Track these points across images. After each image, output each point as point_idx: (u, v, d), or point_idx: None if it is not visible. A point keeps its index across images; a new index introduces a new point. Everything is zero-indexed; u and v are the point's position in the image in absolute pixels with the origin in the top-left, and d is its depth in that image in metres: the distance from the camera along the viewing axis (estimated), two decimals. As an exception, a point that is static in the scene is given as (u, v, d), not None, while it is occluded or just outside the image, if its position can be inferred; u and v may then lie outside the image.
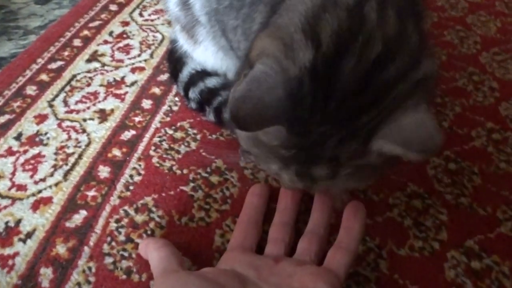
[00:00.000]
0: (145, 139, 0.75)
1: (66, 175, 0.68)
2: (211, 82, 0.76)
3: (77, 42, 0.98)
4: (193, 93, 0.76)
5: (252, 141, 0.45)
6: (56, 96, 0.83)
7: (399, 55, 0.39)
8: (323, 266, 0.52)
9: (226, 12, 0.60)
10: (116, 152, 0.72)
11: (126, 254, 0.58)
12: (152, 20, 1.07)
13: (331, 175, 0.43)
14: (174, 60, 0.81)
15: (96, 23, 1.05)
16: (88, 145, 0.74)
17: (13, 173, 0.69)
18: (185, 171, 0.69)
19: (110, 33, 1.02)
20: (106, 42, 0.99)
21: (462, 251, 0.59)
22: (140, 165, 0.70)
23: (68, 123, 0.78)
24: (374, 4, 0.40)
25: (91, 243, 0.59)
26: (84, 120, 0.79)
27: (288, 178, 0.46)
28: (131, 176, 0.68)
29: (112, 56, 0.94)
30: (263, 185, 0.65)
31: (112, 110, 0.81)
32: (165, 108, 0.81)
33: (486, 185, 0.68)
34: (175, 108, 0.81)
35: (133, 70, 0.90)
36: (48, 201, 0.64)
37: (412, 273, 0.57)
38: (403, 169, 0.69)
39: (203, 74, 0.77)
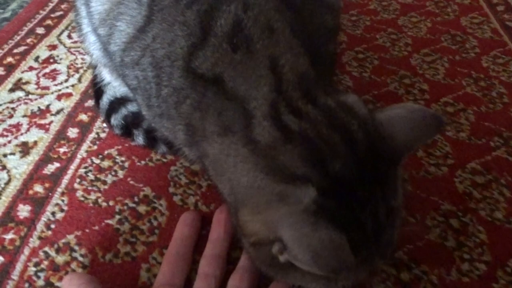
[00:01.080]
0: (70, 171, 0.72)
1: (-18, 218, 0.64)
2: (133, 107, 0.73)
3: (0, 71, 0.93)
4: (115, 120, 0.74)
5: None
6: (-25, 131, 0.79)
7: None
8: None
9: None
10: (38, 188, 0.69)
11: (45, 300, 0.55)
12: (81, 42, 1.03)
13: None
14: (95, 87, 0.78)
15: (21, 48, 1.00)
16: (7, 183, 0.70)
17: None
18: (111, 203, 0.66)
19: (36, 59, 0.97)
20: (31, 68, 0.95)
21: (392, 263, 0.59)
22: (63, 201, 0.67)
23: (-13, 160, 0.74)
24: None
25: (8, 292, 0.56)
26: (5, 155, 0.75)
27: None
28: (53, 213, 0.65)
29: (37, 83, 0.90)
30: (194, 213, 0.63)
31: (35, 142, 0.77)
32: (92, 136, 0.78)
33: (416, 191, 0.68)
34: (103, 135, 0.78)
35: (59, 97, 0.87)
36: (-39, 249, 0.61)
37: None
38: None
39: (123, 100, 0.74)
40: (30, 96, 0.87)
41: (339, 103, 0.44)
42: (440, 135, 0.77)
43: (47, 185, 0.69)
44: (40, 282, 0.57)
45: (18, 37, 1.04)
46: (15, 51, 1.00)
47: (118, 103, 0.75)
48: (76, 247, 0.61)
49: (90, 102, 0.85)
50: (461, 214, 0.65)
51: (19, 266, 0.58)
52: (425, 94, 0.87)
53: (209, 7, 0.47)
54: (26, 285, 0.56)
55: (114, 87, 0.75)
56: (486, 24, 1.07)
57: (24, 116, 0.82)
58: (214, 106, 0.45)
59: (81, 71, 0.94)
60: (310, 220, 0.37)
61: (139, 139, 0.74)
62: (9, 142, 0.77)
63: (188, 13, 0.48)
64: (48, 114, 0.83)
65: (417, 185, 0.69)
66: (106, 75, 0.73)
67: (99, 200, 0.67)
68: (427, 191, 0.68)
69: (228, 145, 0.44)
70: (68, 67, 0.95)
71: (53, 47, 1.01)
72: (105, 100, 0.76)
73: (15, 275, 0.58)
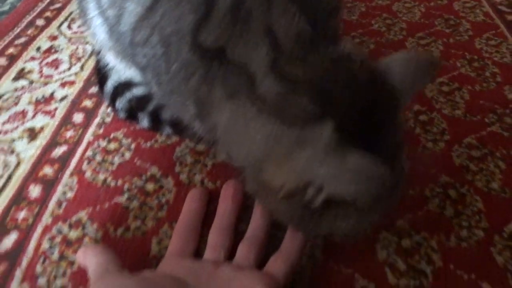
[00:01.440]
0: (78, 154, 0.73)
1: (-6, 199, 0.66)
2: (138, 90, 0.75)
3: (2, 61, 0.95)
4: (120, 103, 0.75)
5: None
6: (-19, 118, 0.80)
7: None
8: (263, 270, 0.52)
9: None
10: (47, 170, 0.70)
11: (60, 272, 0.57)
12: (81, 32, 1.04)
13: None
14: (99, 72, 0.80)
15: (22, 39, 1.02)
16: (17, 165, 0.71)
17: None
18: (119, 182, 0.68)
19: (38, 49, 0.99)
20: (33, 58, 0.96)
21: (393, 231, 0.61)
22: (72, 181, 0.69)
23: (-5, 145, 0.75)
24: None
25: (23, 265, 0.57)
26: (13, 140, 0.76)
27: None
28: (63, 193, 0.67)
29: (40, 72, 0.92)
30: (201, 189, 0.65)
31: (41, 128, 0.78)
32: (97, 120, 0.80)
33: (414, 166, 0.70)
34: (107, 120, 0.80)
35: (62, 85, 0.88)
36: (-25, 228, 0.62)
37: (346, 257, 0.58)
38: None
39: (127, 84, 0.76)
40: (34, 85, 0.89)
41: (339, 50, 0.46)
42: (437, 112, 0.80)
43: (56, 167, 0.71)
44: (55, 256, 0.58)
45: (18, 29, 1.06)
46: (16, 42, 1.01)
47: (122, 87, 0.76)
48: (88, 223, 0.62)
49: (94, 89, 0.87)
50: (459, 185, 0.67)
51: (33, 243, 0.60)
52: (420, 75, 0.89)
53: None
54: (41, 259, 0.58)
55: (118, 71, 0.77)
56: (478, 8, 1.10)
57: (29, 103, 0.84)
58: (220, 76, 0.47)
59: (82, 60, 0.95)
60: (337, 150, 0.38)
61: (144, 122, 0.76)
62: (16, 128, 0.78)
63: None
64: (52, 101, 0.84)
65: (415, 159, 0.71)
66: (111, 59, 0.75)
67: (108, 180, 0.69)
68: (425, 165, 0.70)
69: (237, 108, 0.46)
70: (70, 57, 0.96)
71: (53, 37, 1.03)
72: (110, 85, 0.78)
73: (30, 250, 0.59)
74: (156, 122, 0.74)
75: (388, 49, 0.96)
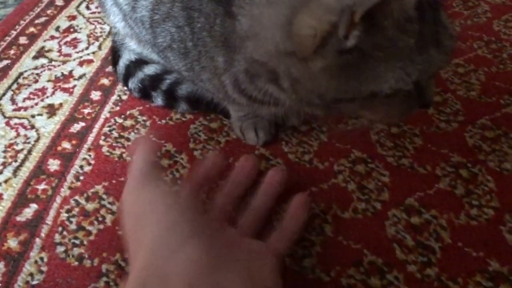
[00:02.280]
0: (95, 130, 0.75)
1: (15, 171, 0.69)
2: (149, 69, 0.77)
3: (23, 40, 0.97)
4: (132, 84, 0.77)
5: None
6: (3, 95, 0.83)
7: None
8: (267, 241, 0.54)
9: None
10: (66, 145, 0.73)
11: (77, 242, 0.59)
12: (99, 13, 1.06)
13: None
14: (113, 53, 0.82)
15: (42, 19, 1.04)
16: (37, 140, 0.74)
17: (-38, 174, 0.69)
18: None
19: (57, 29, 1.01)
20: (52, 37, 0.98)
21: (403, 208, 0.62)
22: (90, 156, 0.71)
23: (16, 120, 0.78)
24: None
25: (43, 235, 0.60)
26: (33, 116, 0.79)
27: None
28: (81, 166, 0.69)
29: (59, 51, 0.94)
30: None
31: (60, 104, 0.81)
32: (114, 98, 0.82)
33: (426, 145, 0.71)
34: (124, 97, 0.82)
35: (81, 64, 0.90)
36: (-2, 198, 0.65)
37: (355, 234, 0.59)
38: (347, 136, 0.71)
39: (139, 63, 0.77)
40: (53, 63, 0.91)
41: None
42: (451, 93, 0.79)
43: (74, 142, 0.73)
44: (72, 226, 0.61)
45: (39, 9, 1.08)
46: (36, 21, 1.03)
47: (134, 66, 0.78)
48: (104, 196, 0.64)
49: (111, 68, 0.88)
50: (471, 165, 0.67)
51: (52, 213, 0.63)
52: (436, 56, 0.88)
53: None
54: (60, 228, 0.61)
55: (130, 51, 0.78)
56: (498, -11, 1.08)
57: (49, 81, 0.86)
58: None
59: (100, 39, 0.97)
60: None
61: (158, 100, 0.77)
62: (36, 104, 0.81)
63: None
64: (71, 79, 0.86)
65: (428, 139, 0.71)
66: (131, 43, 0.76)
67: (124, 155, 0.71)
68: (437, 144, 0.70)
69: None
70: (88, 36, 0.98)
71: (72, 17, 1.05)
72: (121, 64, 0.79)
73: (49, 220, 0.62)
74: (171, 100, 0.76)
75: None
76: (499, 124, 0.73)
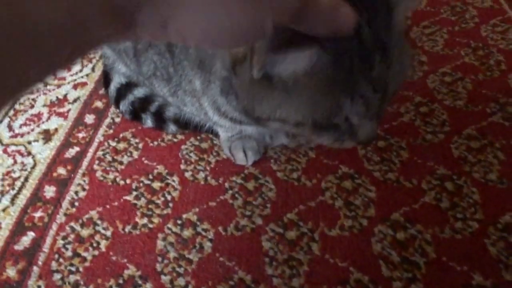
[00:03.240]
0: (89, 154, 0.77)
1: (13, 199, 0.71)
2: (139, 92, 0.78)
3: (18, 65, 0.99)
4: (123, 106, 0.79)
5: (305, 101, 0.44)
6: (0, 122, 0.85)
7: None
8: None
9: None
10: (61, 171, 0.75)
11: (73, 268, 0.61)
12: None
13: (388, 64, 0.43)
14: (104, 76, 0.84)
15: (37, 42, 1.06)
16: (33, 167, 0.76)
17: (-39, 204, 0.71)
18: (128, 181, 0.72)
19: (51, 51, 1.03)
20: (47, 61, 1.00)
21: (389, 224, 0.63)
22: (84, 181, 0.73)
23: (13, 147, 0.80)
24: None
25: (40, 263, 0.62)
26: (29, 142, 0.81)
27: (362, 106, 0.44)
28: (76, 192, 0.71)
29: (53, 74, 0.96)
30: None
31: (56, 129, 0.83)
32: (107, 121, 0.84)
33: (412, 158, 0.72)
34: (117, 120, 0.83)
35: (75, 87, 0.92)
36: (-4, 227, 0.67)
37: (342, 251, 0.61)
38: (335, 152, 0.73)
39: (129, 86, 0.79)
40: (49, 87, 0.93)
41: None
42: (438, 103, 0.80)
43: (69, 167, 0.75)
44: (68, 253, 0.63)
45: (34, 32, 1.10)
46: (31, 45, 1.05)
47: (124, 89, 0.80)
48: (99, 221, 0.66)
49: (103, 90, 0.90)
50: (456, 177, 0.68)
51: (48, 240, 0.65)
52: (424, 65, 0.89)
53: None
54: (56, 256, 0.63)
55: (120, 74, 0.80)
56: (486, -7, 1.08)
57: (44, 105, 0.88)
58: None
59: (94, 61, 0.99)
60: None
61: (148, 122, 0.79)
62: (32, 130, 0.83)
63: None
64: (66, 103, 0.89)
65: (414, 152, 0.73)
66: (120, 67, 0.78)
67: (117, 179, 0.72)
68: (423, 157, 0.72)
69: None
70: (82, 58, 1.00)
71: (66, 39, 1.07)
72: (113, 88, 0.81)
73: (45, 248, 0.64)
74: (160, 121, 0.78)
75: (392, 40, 0.96)
76: (484, 134, 0.74)
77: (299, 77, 0.42)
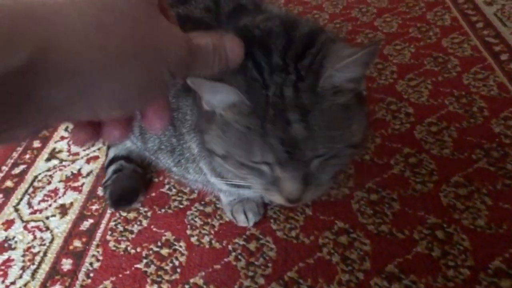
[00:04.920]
0: (102, 225, 0.83)
1: (33, 274, 0.76)
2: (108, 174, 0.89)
3: (36, 143, 1.08)
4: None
5: (226, 142, 0.49)
6: (21, 199, 0.92)
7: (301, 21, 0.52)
8: None
9: None
10: (77, 243, 0.80)
11: (90, 338, 0.65)
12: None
13: (306, 125, 0.44)
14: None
15: (53, 121, 1.15)
16: (51, 241, 0.82)
17: (-13, 282, 0.76)
18: (138, 249, 0.77)
19: (66, 129, 1.11)
20: (62, 138, 1.08)
21: (384, 276, 0.66)
22: (98, 252, 0.78)
23: (33, 223, 0.86)
24: None
25: (59, 335, 0.66)
26: (47, 218, 0.87)
27: (273, 157, 0.46)
28: (91, 263, 0.76)
29: (68, 150, 1.04)
30: None
31: (71, 203, 0.89)
32: (118, 191, 0.90)
33: (404, 209, 0.76)
34: (127, 190, 0.90)
35: (88, 161, 1.00)
36: (18, 302, 0.72)
37: (340, 306, 0.64)
38: (330, 208, 0.77)
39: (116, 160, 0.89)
40: (64, 163, 1.00)
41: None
42: (425, 153, 0.85)
43: (84, 239, 0.81)
44: (85, 324, 0.67)
45: (49, 111, 1.19)
46: (47, 124, 1.14)
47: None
48: (112, 291, 0.71)
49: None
50: (446, 225, 0.72)
51: (66, 312, 0.69)
52: (410, 117, 0.95)
53: None
54: (74, 327, 0.67)
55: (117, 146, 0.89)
56: (466, 42, 1.15)
57: (60, 181, 0.95)
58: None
59: (105, 134, 1.07)
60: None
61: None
62: (50, 205, 0.90)
63: None
64: (80, 177, 0.96)
65: (405, 202, 0.77)
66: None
67: (128, 248, 0.78)
68: (414, 207, 0.76)
69: None
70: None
71: (79, 116, 1.15)
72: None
73: (64, 320, 0.68)
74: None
75: (380, 94, 1.02)
76: (471, 180, 0.78)
77: (226, 113, 0.47)
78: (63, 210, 0.88)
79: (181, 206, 0.84)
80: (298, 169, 0.48)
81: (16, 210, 0.90)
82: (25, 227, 0.86)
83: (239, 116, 0.46)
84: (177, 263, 0.74)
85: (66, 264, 0.77)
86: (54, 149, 1.05)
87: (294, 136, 0.45)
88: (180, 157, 0.68)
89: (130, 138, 0.77)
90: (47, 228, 0.85)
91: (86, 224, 0.84)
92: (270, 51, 0.47)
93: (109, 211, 0.86)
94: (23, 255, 0.80)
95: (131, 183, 0.87)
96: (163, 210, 0.84)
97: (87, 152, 1.03)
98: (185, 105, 0.61)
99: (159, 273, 0.73)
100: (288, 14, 0.69)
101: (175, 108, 0.62)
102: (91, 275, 0.74)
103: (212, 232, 0.78)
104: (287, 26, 0.50)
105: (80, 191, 0.92)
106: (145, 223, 0.82)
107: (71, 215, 0.87)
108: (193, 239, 0.77)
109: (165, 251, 0.76)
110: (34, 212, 0.89)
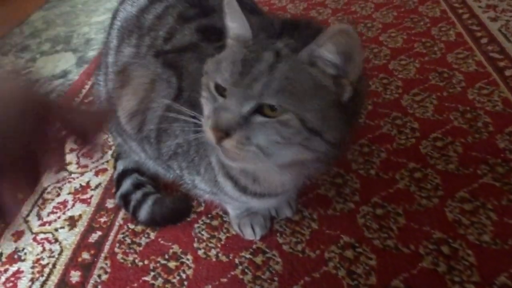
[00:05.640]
0: (111, 238, 0.84)
1: (42, 286, 0.77)
2: (125, 186, 0.89)
3: (46, 156, 1.09)
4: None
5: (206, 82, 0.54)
6: (30, 211, 0.94)
7: None
8: None
9: None
10: (85, 255, 0.81)
11: None
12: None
13: (271, 66, 0.48)
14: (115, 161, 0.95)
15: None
16: (60, 253, 0.83)
17: (-4, 293, 0.78)
18: (146, 262, 0.78)
19: (75, 141, 1.13)
20: (71, 150, 1.10)
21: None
22: (106, 264, 0.79)
23: (42, 235, 0.87)
24: None
25: None
26: (56, 229, 0.88)
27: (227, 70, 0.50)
28: (99, 276, 0.77)
29: (77, 163, 1.05)
30: None
31: (80, 216, 0.90)
32: (126, 204, 0.91)
33: (409, 224, 0.76)
34: (135, 203, 0.91)
35: (96, 173, 1.01)
36: (27, 314, 0.73)
37: (346, 320, 0.64)
38: (336, 222, 0.78)
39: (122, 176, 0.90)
40: (73, 175, 1.02)
41: None
42: (431, 168, 0.86)
43: (92, 251, 0.82)
44: (93, 336, 0.68)
45: (59, 123, 1.21)
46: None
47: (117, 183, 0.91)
48: (120, 303, 0.72)
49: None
50: (451, 240, 0.72)
51: (75, 324, 0.70)
52: (416, 132, 0.96)
53: None
54: None
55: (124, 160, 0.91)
56: (471, 57, 1.16)
57: (69, 193, 0.97)
58: None
59: (113, 147, 1.08)
60: None
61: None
62: (59, 217, 0.91)
63: None
64: (88, 190, 0.97)
65: (411, 217, 0.77)
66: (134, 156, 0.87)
67: (136, 260, 0.79)
68: (419, 222, 0.76)
69: None
70: (102, 146, 1.10)
71: (88, 128, 1.17)
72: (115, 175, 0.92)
73: (72, 331, 0.69)
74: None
75: (385, 109, 1.03)
76: (476, 195, 0.79)
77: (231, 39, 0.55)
78: (72, 222, 0.89)
79: (188, 219, 0.85)
80: (241, 97, 0.48)
81: (26, 221, 0.91)
82: (34, 239, 0.87)
83: (236, 42, 0.53)
84: (184, 276, 0.75)
85: (75, 276, 0.78)
86: (63, 161, 1.07)
87: (257, 68, 0.48)
88: (194, 155, 0.68)
89: (143, 147, 0.78)
90: (56, 240, 0.86)
91: (95, 236, 0.85)
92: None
93: (117, 223, 0.87)
94: (32, 267, 0.81)
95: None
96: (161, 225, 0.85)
97: (95, 164, 1.04)
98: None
99: (167, 286, 0.73)
100: None
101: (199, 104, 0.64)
102: (99, 287, 0.75)
103: (219, 245, 0.79)
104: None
105: (88, 204, 0.93)
106: (152, 235, 0.83)
107: (80, 227, 0.88)
108: (200, 252, 0.78)
109: (172, 264, 0.77)
110: (44, 224, 0.90)
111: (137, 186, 0.88)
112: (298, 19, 0.56)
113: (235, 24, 0.54)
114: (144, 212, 0.83)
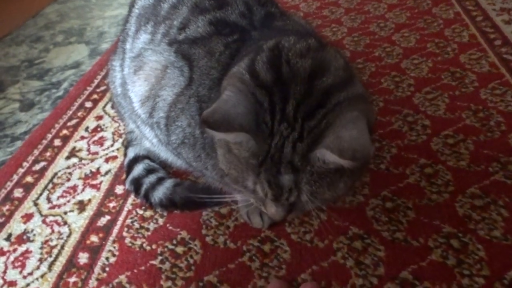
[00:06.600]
0: (119, 222, 0.84)
1: (50, 266, 0.78)
2: (137, 170, 0.89)
3: (57, 142, 1.10)
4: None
5: (227, 160, 0.57)
6: (40, 194, 0.94)
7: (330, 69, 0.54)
8: None
9: None
10: (94, 238, 0.82)
11: (104, 330, 0.66)
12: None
13: (294, 179, 0.53)
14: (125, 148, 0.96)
15: (74, 121, 1.18)
16: (69, 235, 0.83)
17: (5, 271, 0.78)
18: (153, 246, 0.78)
19: (86, 129, 1.14)
20: (82, 137, 1.11)
21: (398, 282, 0.66)
22: (114, 247, 0.79)
23: (51, 218, 0.88)
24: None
25: (74, 325, 0.67)
26: (65, 213, 0.89)
27: (262, 191, 0.56)
28: (107, 258, 0.77)
29: (88, 150, 1.06)
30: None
31: (89, 200, 0.91)
32: (135, 190, 0.91)
33: (419, 218, 0.76)
34: (144, 189, 0.91)
35: (107, 160, 1.02)
36: (35, 292, 0.73)
37: (354, 309, 0.64)
38: (345, 214, 0.78)
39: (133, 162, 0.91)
40: (83, 161, 1.03)
41: None
42: (442, 164, 0.86)
43: (100, 235, 0.82)
44: (99, 316, 0.68)
45: (70, 112, 1.22)
46: (68, 124, 1.17)
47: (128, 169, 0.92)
48: (127, 285, 0.72)
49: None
50: (461, 235, 0.72)
51: (81, 304, 0.70)
52: (427, 129, 0.95)
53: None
54: (88, 318, 0.68)
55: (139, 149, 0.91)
56: (484, 58, 1.16)
57: (79, 178, 0.97)
58: None
59: (123, 136, 1.09)
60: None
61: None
62: (68, 201, 0.92)
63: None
64: (98, 175, 0.97)
65: (420, 211, 0.77)
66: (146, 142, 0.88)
67: (144, 245, 0.79)
68: (429, 216, 0.76)
69: None
70: (113, 134, 1.11)
71: (99, 117, 1.18)
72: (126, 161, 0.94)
73: (79, 311, 0.69)
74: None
75: (396, 106, 1.03)
76: (487, 192, 0.78)
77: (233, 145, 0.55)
78: (81, 206, 0.90)
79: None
80: (281, 204, 0.57)
81: (36, 204, 0.92)
82: (43, 221, 0.88)
83: (242, 151, 0.54)
84: (191, 261, 0.75)
85: (83, 257, 0.78)
86: (74, 147, 1.08)
87: (281, 184, 0.53)
88: (201, 151, 0.69)
89: (154, 131, 0.79)
90: (65, 223, 0.86)
91: (103, 220, 0.86)
92: (288, 97, 0.52)
93: (125, 208, 0.87)
94: (41, 248, 0.82)
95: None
96: (179, 210, 0.85)
97: (106, 152, 1.05)
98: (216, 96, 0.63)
99: (174, 270, 0.74)
100: (311, 27, 0.80)
101: (205, 100, 0.65)
102: (107, 269, 0.75)
103: (227, 232, 0.79)
104: (314, 70, 0.54)
105: (98, 189, 0.94)
106: (161, 221, 0.83)
107: (89, 211, 0.88)
108: (208, 239, 0.78)
109: (180, 249, 0.77)
110: (53, 207, 0.91)
111: (149, 171, 0.88)
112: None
113: (232, 135, 0.53)
114: (159, 194, 0.84)
